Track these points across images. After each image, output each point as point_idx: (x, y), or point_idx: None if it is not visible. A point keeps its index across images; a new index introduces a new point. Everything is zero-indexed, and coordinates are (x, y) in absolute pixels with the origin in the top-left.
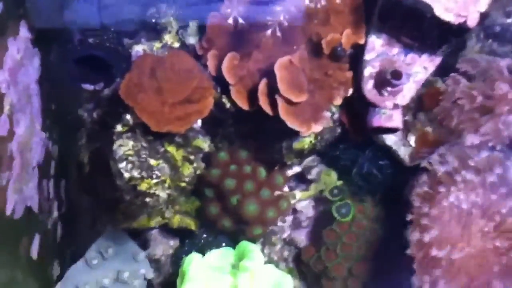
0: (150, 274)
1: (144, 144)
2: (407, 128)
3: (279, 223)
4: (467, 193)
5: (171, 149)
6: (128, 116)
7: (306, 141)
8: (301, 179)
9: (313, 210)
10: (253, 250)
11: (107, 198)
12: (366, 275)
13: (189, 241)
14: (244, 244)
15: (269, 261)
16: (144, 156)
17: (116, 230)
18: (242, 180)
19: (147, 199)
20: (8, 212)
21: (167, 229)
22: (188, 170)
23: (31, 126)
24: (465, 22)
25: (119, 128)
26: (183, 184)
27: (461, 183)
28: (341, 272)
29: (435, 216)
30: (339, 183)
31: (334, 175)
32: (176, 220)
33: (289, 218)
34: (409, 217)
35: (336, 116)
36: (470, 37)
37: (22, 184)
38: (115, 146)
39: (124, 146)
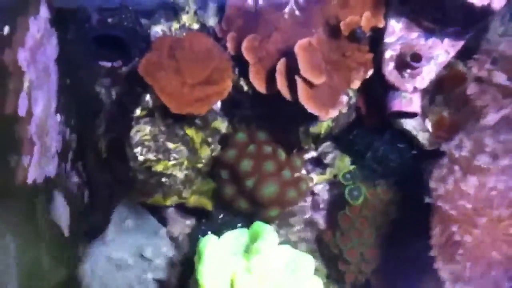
0: (171, 252)
1: (162, 128)
2: (425, 111)
3: (300, 204)
4: (485, 177)
5: (190, 132)
6: (147, 97)
7: (323, 125)
8: (317, 164)
9: (329, 193)
10: (266, 231)
11: (123, 178)
12: (380, 259)
13: (206, 221)
14: (257, 225)
15: (287, 241)
16: (161, 140)
17: (133, 204)
18: (261, 161)
19: (163, 179)
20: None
21: (183, 208)
22: (205, 152)
23: (48, 104)
24: (489, 4)
25: (138, 112)
26: (200, 165)
27: (478, 167)
28: (355, 256)
29: (455, 201)
30: (352, 167)
31: (347, 160)
32: (193, 200)
33: (308, 199)
34: (428, 201)
35: (352, 100)
36: (493, 20)
37: (43, 165)
38: (132, 132)
39: (141, 131)
